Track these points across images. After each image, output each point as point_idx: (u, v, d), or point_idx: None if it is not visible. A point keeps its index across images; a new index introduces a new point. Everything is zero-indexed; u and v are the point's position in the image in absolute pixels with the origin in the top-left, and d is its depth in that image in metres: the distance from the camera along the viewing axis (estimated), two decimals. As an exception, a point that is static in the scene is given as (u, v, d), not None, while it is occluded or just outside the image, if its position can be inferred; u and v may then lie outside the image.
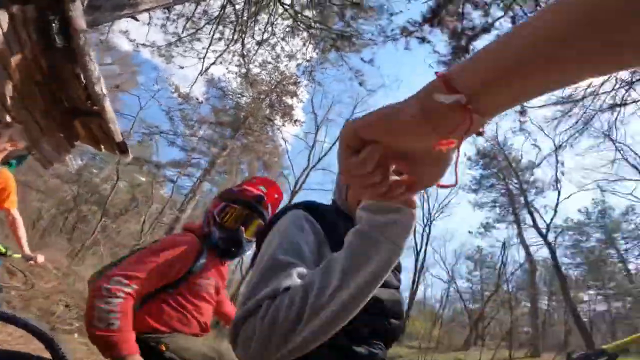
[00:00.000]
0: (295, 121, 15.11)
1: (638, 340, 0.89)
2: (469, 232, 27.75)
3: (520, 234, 18.40)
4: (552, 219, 16.45)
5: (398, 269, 0.88)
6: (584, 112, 13.47)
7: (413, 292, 21.20)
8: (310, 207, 0.79)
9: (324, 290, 0.54)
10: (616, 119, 13.54)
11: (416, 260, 21.06)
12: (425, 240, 21.58)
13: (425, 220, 21.88)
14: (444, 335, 23.83)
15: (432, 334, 22.43)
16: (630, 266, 23.71)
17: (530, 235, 18.18)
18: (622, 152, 14.73)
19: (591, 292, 24.57)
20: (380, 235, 0.55)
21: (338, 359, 0.65)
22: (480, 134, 0.33)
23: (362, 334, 0.69)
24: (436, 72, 0.30)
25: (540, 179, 19.89)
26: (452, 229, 49.11)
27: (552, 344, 19.46)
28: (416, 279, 21.10)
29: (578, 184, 24.40)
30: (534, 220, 15.52)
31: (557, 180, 16.44)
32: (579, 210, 24.79)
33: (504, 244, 20.89)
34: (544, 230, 16.57)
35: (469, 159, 20.54)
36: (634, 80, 11.13)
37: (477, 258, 24.78)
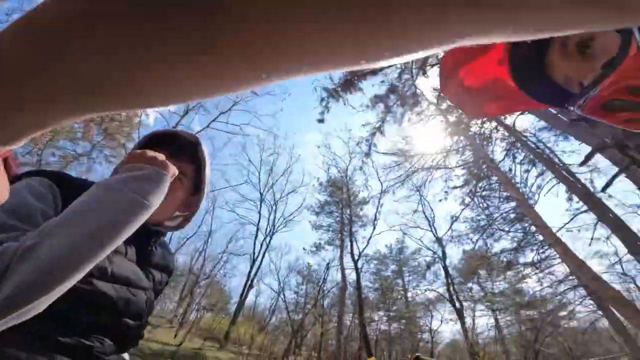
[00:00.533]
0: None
1: None
2: (304, 249, 30.71)
3: (340, 257, 21.92)
4: (364, 249, 20.65)
5: (164, 270, 0.84)
6: (410, 168, 18.21)
7: (243, 298, 21.53)
8: (61, 178, 0.70)
9: (43, 230, 0.46)
10: (427, 179, 18.72)
11: (251, 267, 21.63)
12: (264, 249, 22.83)
13: (268, 230, 23.52)
14: (268, 343, 25.07)
15: (257, 341, 23.53)
16: (409, 294, 31.08)
17: (347, 260, 21.85)
18: (423, 206, 20.46)
19: (380, 313, 30.65)
20: (124, 186, 0.53)
21: (38, 346, 0.55)
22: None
23: (77, 326, 0.60)
24: None
25: (366, 214, 24.43)
26: (290, 243, 52.29)
27: (350, 357, 22.62)
28: (247, 285, 21.52)
29: (389, 224, 30.90)
30: (351, 247, 18.99)
31: (375, 218, 20.83)
32: (385, 245, 31.51)
33: (327, 264, 24.21)
34: (356, 257, 20.58)
35: (321, 184, 24.04)
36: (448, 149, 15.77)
37: (306, 274, 27.27)
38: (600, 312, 14.41)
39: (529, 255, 18.15)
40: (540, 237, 18.92)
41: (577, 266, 9.37)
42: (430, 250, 20.75)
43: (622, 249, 13.76)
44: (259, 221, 22.89)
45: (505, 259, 21.28)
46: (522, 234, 21.26)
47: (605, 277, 11.39)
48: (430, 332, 27.64)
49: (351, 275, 22.74)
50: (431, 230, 20.18)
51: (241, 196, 33.86)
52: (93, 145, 14.10)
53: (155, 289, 0.80)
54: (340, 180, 21.77)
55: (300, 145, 48.73)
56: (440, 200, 31.00)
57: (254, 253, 22.02)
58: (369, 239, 17.53)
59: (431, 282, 27.58)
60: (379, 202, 18.40)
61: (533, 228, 19.92)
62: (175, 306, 24.09)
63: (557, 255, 19.40)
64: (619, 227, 12.32)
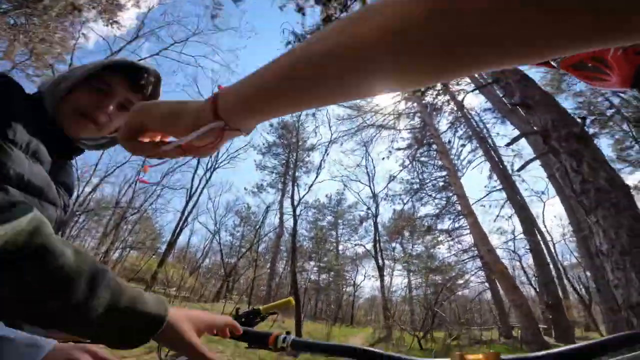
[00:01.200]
0: (113, 22, 12.74)
1: (283, 304, 0.98)
2: (245, 188, 29.82)
3: (281, 202, 21.92)
4: (304, 195, 20.51)
5: (68, 191, 0.80)
6: (362, 123, 18.53)
7: (175, 236, 20.29)
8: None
9: None
10: (375, 137, 19.19)
11: (187, 203, 20.52)
12: (202, 185, 21.60)
13: (209, 165, 22.17)
14: (199, 285, 24.49)
15: (187, 283, 22.76)
16: (340, 247, 32.82)
17: (287, 205, 21.38)
18: (367, 161, 21.12)
19: (312, 262, 32.06)
20: None
21: None
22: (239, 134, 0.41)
23: None
24: (218, 86, 0.41)
25: (311, 161, 24.14)
26: (232, 181, 50.24)
27: (280, 303, 23.45)
28: (181, 222, 20.29)
29: (331, 173, 31.03)
30: (292, 192, 18.88)
31: (320, 166, 20.80)
32: (326, 195, 32.08)
33: (267, 207, 24.18)
34: (296, 202, 20.50)
35: (271, 124, 22.92)
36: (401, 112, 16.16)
37: (244, 215, 26.77)
38: (487, 285, 16.66)
39: (446, 223, 20.30)
40: (458, 207, 20.96)
41: (480, 238, 10.58)
42: (365, 205, 21.76)
43: (519, 229, 15.90)
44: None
45: (426, 223, 23.27)
46: (445, 201, 23.29)
47: (498, 251, 13.12)
48: (354, 286, 30.04)
49: (289, 222, 22.96)
50: (370, 186, 21.08)
51: None
52: (14, 64, 12.28)
53: (65, 209, 0.77)
54: (292, 124, 21.02)
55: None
56: (383, 159, 32.27)
57: (191, 188, 20.91)
58: (311, 185, 17.73)
59: (361, 237, 29.18)
60: (326, 150, 18.49)
61: (454, 198, 22.01)
62: (97, 243, 22.52)
63: (467, 226, 21.72)
64: (521, 208, 14.00)
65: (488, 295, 18.52)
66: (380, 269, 18.10)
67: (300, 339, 0.64)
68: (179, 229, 19.78)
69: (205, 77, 34.64)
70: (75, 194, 0.86)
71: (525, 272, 18.46)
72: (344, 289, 29.92)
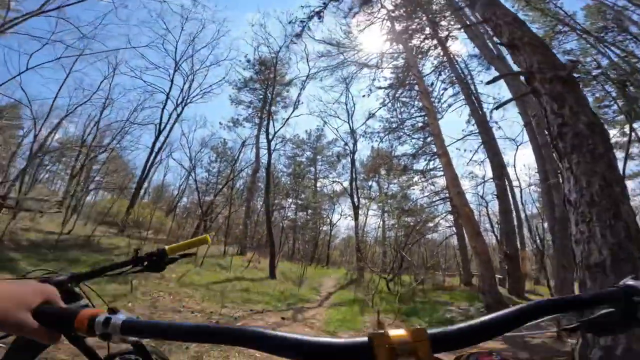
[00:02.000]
0: None
1: (197, 242, 0.95)
2: (220, 123, 28.49)
3: (257, 136, 21.09)
4: (279, 128, 19.58)
5: None
6: (343, 60, 17.60)
7: (144, 174, 19.54)
8: None
9: None
10: (356, 74, 18.37)
11: (156, 138, 19.41)
12: (174, 120, 20.47)
13: (180, 100, 20.88)
14: (176, 227, 23.75)
15: (162, 225, 22.11)
16: (318, 184, 33.13)
17: (264, 140, 21.02)
18: (346, 98, 20.41)
19: (290, 200, 32.47)
20: None
21: None
22: None
23: None
24: None
25: (289, 96, 23.29)
26: (206, 116, 48.42)
27: (256, 243, 22.79)
28: (150, 159, 19.40)
29: (310, 109, 30.32)
30: (267, 126, 17.90)
31: (297, 100, 19.81)
32: (305, 131, 31.63)
33: (243, 142, 23.34)
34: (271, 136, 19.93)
35: (248, 60, 21.52)
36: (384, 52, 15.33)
37: (220, 150, 25.70)
38: (454, 229, 17.28)
39: (422, 164, 20.47)
40: (434, 149, 21.21)
41: (451, 179, 10.53)
42: (343, 141, 21.40)
43: (489, 175, 16.17)
44: (170, 89, 20.09)
45: (403, 162, 23.76)
46: (422, 142, 23.55)
47: (468, 196, 13.34)
48: (330, 225, 31.00)
49: (265, 157, 22.88)
50: (348, 123, 20.52)
51: (151, 63, 29.09)
52: None
53: None
54: (270, 60, 19.60)
55: (234, 20, 42.45)
56: (364, 96, 31.38)
57: (160, 123, 19.61)
58: (287, 119, 17.20)
59: (339, 174, 29.49)
60: (303, 84, 17.54)
61: (431, 139, 22.24)
62: (64, 187, 21.54)
63: (441, 167, 22.12)
64: (494, 154, 14.02)
65: (454, 241, 19.46)
66: (356, 208, 18.36)
67: (137, 321, 0.43)
68: (148, 165, 19.11)
69: (172, 12, 30.78)
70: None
71: (490, 219, 19.26)
72: (320, 228, 30.76)
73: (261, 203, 30.05)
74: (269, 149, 13.79)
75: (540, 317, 0.44)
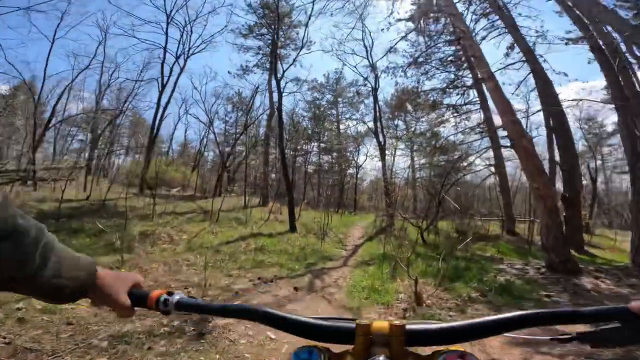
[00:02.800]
0: None
1: None
2: (229, 72, 26.89)
3: (269, 81, 19.24)
4: (288, 67, 17.45)
5: None
6: None
7: (155, 131, 18.26)
8: None
9: None
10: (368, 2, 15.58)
11: (160, 94, 18.00)
12: (177, 74, 18.92)
13: (177, 52, 19.10)
14: (202, 181, 23.55)
15: (188, 181, 21.94)
16: (341, 126, 31.28)
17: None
18: (363, 33, 17.56)
19: (313, 144, 31.00)
20: None
21: None
22: None
23: None
24: None
25: (300, 37, 20.77)
26: (217, 69, 46.27)
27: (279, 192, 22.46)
28: (158, 115, 18.03)
29: (324, 47, 27.47)
30: (275, 65, 15.93)
31: (305, 35, 17.44)
32: (323, 75, 29.21)
33: (256, 87, 21.68)
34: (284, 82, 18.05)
35: (249, 5, 19.31)
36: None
37: (236, 101, 24.55)
38: (492, 169, 15.09)
39: (454, 99, 18.45)
40: (467, 82, 18.68)
41: (502, 106, 8.35)
42: (362, 77, 18.98)
43: (535, 107, 13.51)
44: (165, 42, 18.19)
45: (432, 98, 21.29)
46: (453, 75, 20.81)
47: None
48: (356, 168, 29.38)
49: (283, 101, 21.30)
50: (367, 58, 17.96)
51: (140, 19, 26.62)
52: None
53: None
54: (272, 2, 17.06)
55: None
56: (382, 30, 27.87)
57: (162, 77, 18.09)
58: (296, 57, 15.27)
59: (363, 115, 27.68)
60: (309, 17, 15.05)
61: (462, 72, 19.60)
62: (86, 154, 21.40)
63: (477, 100, 19.46)
64: (545, 82, 11.32)
65: (489, 181, 17.36)
66: (382, 148, 16.55)
67: (187, 300, 0.59)
68: (157, 121, 17.78)
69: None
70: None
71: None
72: (346, 171, 29.43)
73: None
74: (278, 88, 12.04)
75: (533, 326, 0.44)
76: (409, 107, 23.27)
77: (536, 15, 13.91)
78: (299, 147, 28.61)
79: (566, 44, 14.16)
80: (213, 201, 12.22)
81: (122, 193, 11.63)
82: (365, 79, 18.71)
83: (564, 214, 9.44)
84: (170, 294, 0.59)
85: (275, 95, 19.54)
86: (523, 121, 15.61)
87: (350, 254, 8.94)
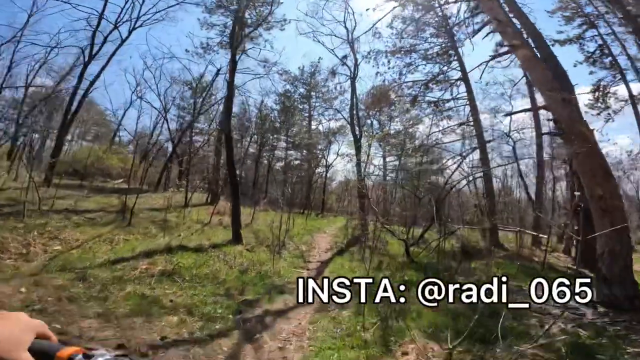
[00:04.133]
0: None
1: None
2: (187, 50, 23.38)
3: (231, 60, 16.12)
4: (249, 32, 14.60)
5: None
6: None
7: (70, 113, 13.64)
8: None
9: None
10: None
11: (85, 64, 13.77)
12: (117, 45, 14.55)
13: (117, 20, 14.67)
14: (149, 174, 20.35)
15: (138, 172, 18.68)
16: (313, 123, 28.70)
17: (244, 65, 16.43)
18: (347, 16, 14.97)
19: (282, 138, 28.18)
20: None
21: None
22: None
23: None
24: None
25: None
26: (173, 47, 38.22)
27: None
28: (81, 89, 13.64)
29: (300, 29, 24.80)
30: (233, 31, 12.89)
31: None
32: (298, 68, 26.49)
33: (218, 70, 18.40)
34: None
35: None
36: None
37: (195, 84, 21.12)
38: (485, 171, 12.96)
39: (436, 95, 17.27)
40: (454, 75, 16.95)
41: (540, 77, 6.03)
42: (341, 60, 16.30)
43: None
44: (103, 8, 14.18)
45: (414, 92, 19.24)
46: (438, 69, 19.10)
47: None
48: (326, 166, 26.68)
49: (246, 86, 18.38)
50: (348, 41, 15.30)
51: None
52: None
53: None
54: None
55: None
56: (368, 10, 25.50)
57: (92, 45, 13.77)
58: (259, 23, 12.20)
59: (336, 112, 25.37)
60: None
61: (447, 67, 17.99)
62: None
63: (464, 96, 17.56)
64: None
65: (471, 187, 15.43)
66: (357, 141, 13.93)
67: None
68: (78, 96, 13.54)
69: None
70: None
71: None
72: (315, 169, 26.75)
73: (247, 141, 26.01)
74: (233, 57, 9.03)
75: None
76: (384, 106, 21.25)
77: None
78: (264, 141, 25.71)
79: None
80: (137, 197, 8.89)
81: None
82: (344, 61, 16.02)
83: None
84: (90, 349, 0.43)
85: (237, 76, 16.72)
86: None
87: (314, 277, 6.12)
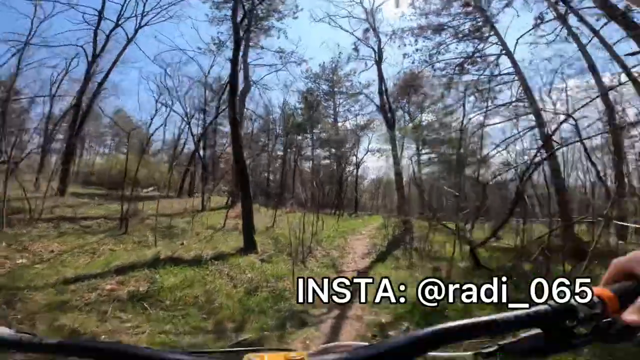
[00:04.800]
0: None
1: None
2: (199, 47, 22.17)
3: (245, 52, 14.95)
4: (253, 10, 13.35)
5: None
6: None
7: (76, 123, 13.68)
8: None
9: None
10: None
11: (90, 64, 12.69)
12: (124, 44, 13.49)
13: (119, 18, 13.52)
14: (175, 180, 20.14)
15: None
16: (339, 120, 27.17)
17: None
18: None
19: (307, 136, 26.88)
20: None
21: None
22: None
23: None
24: None
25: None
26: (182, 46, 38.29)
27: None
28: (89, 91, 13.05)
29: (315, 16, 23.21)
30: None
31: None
32: (319, 65, 25.10)
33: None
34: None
35: None
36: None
37: (216, 88, 20.33)
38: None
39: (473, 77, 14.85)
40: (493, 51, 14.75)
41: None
42: (361, 41, 14.56)
43: None
44: (102, 6, 13.18)
45: (447, 75, 16.91)
46: (472, 48, 16.83)
47: None
48: (357, 164, 24.89)
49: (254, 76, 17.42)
50: (368, 21, 13.56)
51: None
52: None
53: None
54: None
55: None
56: None
57: (95, 44, 12.73)
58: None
59: (363, 106, 23.80)
60: None
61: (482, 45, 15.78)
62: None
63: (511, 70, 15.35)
64: None
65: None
66: (391, 126, 12.09)
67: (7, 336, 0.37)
68: (87, 100, 12.66)
69: None
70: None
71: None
72: (345, 167, 25.10)
73: (272, 142, 24.94)
74: (236, 37, 7.57)
75: (443, 345, 0.35)
76: (416, 92, 19.24)
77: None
78: (290, 140, 24.58)
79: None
80: (157, 203, 7.62)
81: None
82: (366, 37, 14.27)
83: None
84: None
85: (252, 69, 15.59)
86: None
87: (350, 299, 4.42)
